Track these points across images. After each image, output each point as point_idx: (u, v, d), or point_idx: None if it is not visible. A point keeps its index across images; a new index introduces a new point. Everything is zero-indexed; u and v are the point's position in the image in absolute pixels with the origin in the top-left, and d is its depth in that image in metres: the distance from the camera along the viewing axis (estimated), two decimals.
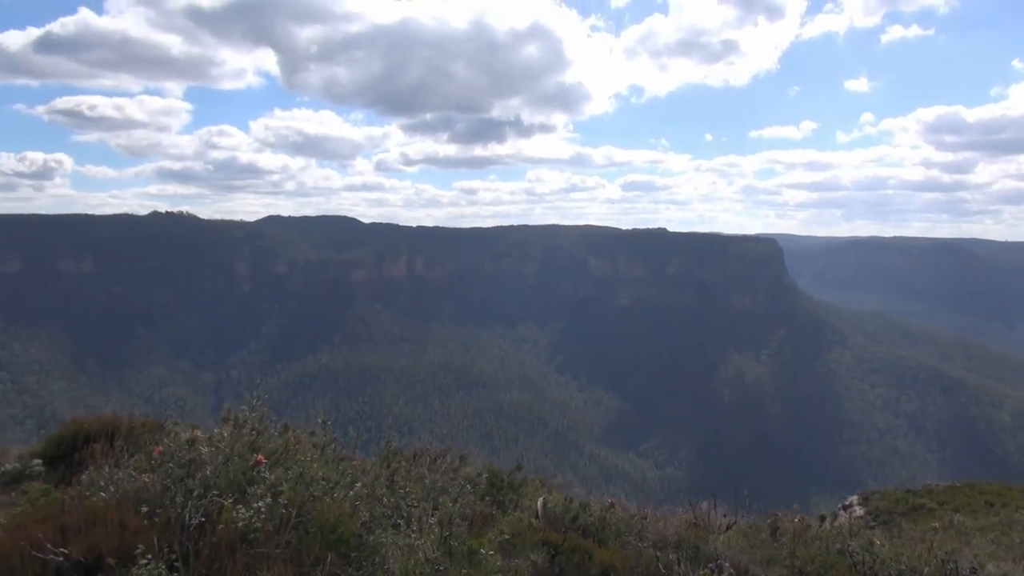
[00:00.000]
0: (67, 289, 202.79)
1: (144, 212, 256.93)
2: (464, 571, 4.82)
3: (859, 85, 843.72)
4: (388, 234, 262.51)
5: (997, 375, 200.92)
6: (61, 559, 3.88)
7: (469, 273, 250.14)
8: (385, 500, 5.21)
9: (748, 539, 8.74)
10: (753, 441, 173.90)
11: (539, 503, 8.29)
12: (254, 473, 5.04)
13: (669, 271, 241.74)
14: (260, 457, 5.12)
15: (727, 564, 6.61)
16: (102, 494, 4.89)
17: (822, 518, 12.75)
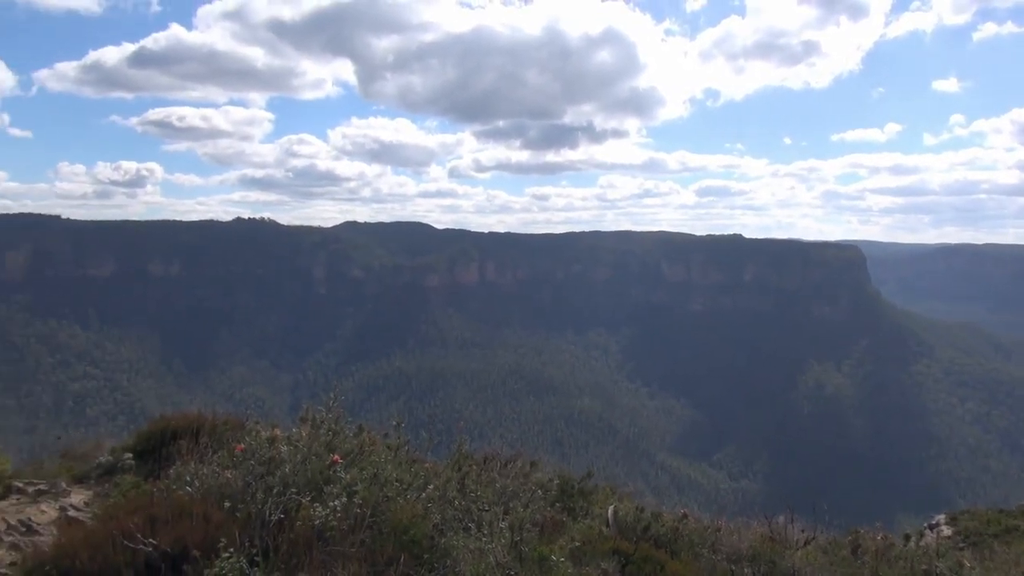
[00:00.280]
0: (156, 292, 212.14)
1: (228, 218, 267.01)
2: None
3: (948, 85, 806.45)
4: (460, 240, 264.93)
5: None
6: (150, 549, 4.06)
7: (540, 279, 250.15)
8: (456, 503, 5.25)
9: (827, 556, 8.45)
10: (833, 455, 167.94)
11: (610, 511, 8.21)
12: (330, 472, 5.16)
13: (745, 278, 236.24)
14: (336, 457, 5.24)
15: None
16: (188, 488, 5.09)
17: (907, 537, 12.19)
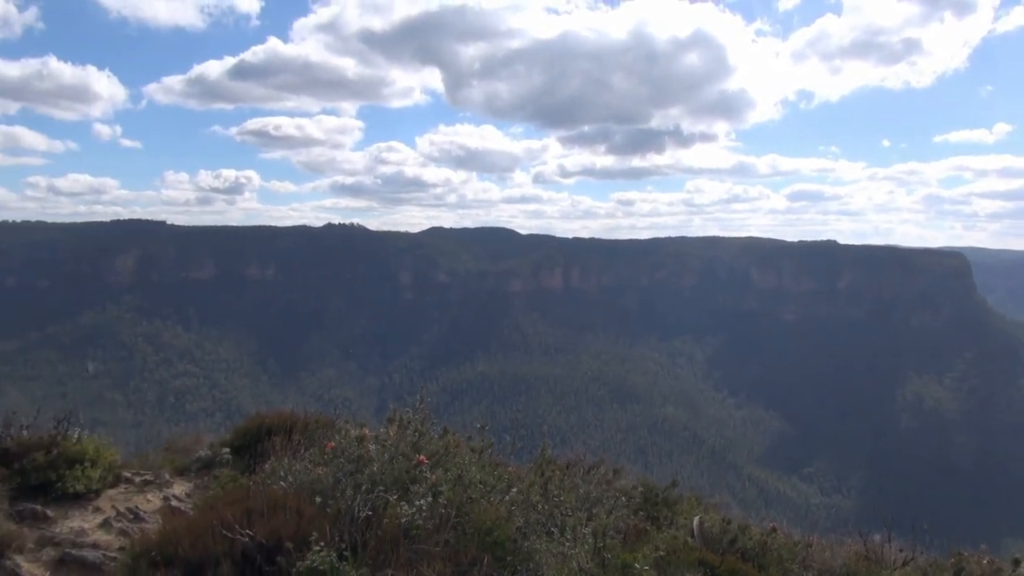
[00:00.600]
0: (252, 294, 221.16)
1: (320, 224, 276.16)
2: None
3: None
4: (544, 245, 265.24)
5: None
6: (247, 540, 4.24)
7: (624, 285, 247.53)
8: (540, 507, 5.26)
9: None
10: (933, 472, 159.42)
11: (695, 521, 8.06)
12: (416, 472, 5.26)
13: (839, 285, 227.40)
14: (422, 458, 5.34)
15: None
16: (281, 483, 5.29)
17: (1016, 562, 11.46)
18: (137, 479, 8.04)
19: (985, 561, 8.72)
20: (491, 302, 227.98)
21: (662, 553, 5.79)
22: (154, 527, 6.40)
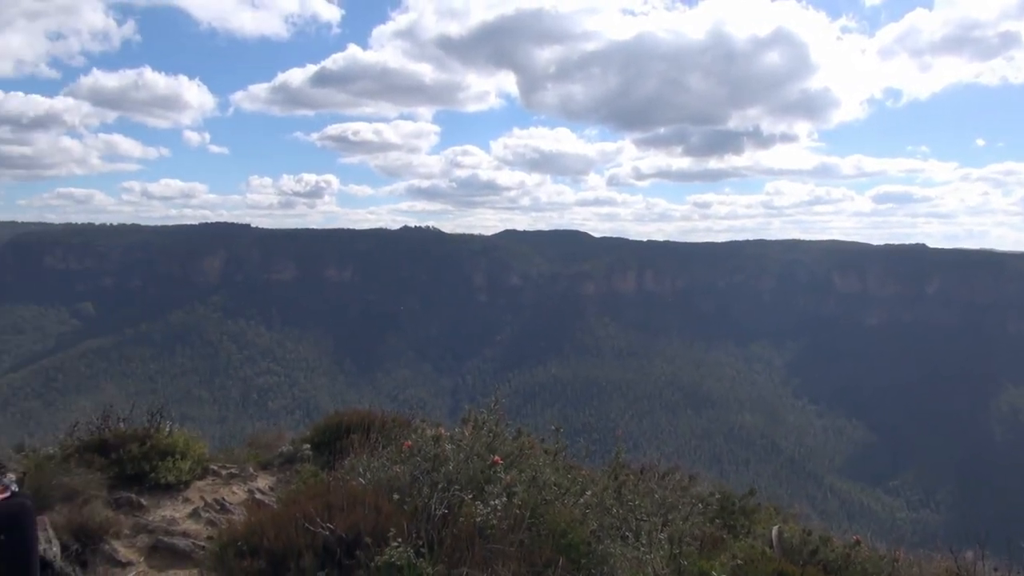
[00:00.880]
0: (331, 295, 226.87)
1: (396, 227, 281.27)
2: None
3: None
4: (618, 248, 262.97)
5: None
6: (327, 533, 4.36)
7: (700, 288, 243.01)
8: (615, 511, 5.23)
9: None
10: None
11: (774, 531, 7.85)
12: (491, 473, 5.30)
13: (928, 290, 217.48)
14: (497, 458, 5.38)
15: None
16: (360, 479, 5.42)
17: None
18: (223, 472, 8.37)
19: None
20: (564, 305, 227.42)
21: (739, 562, 5.67)
22: (240, 518, 6.65)
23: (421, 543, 4.31)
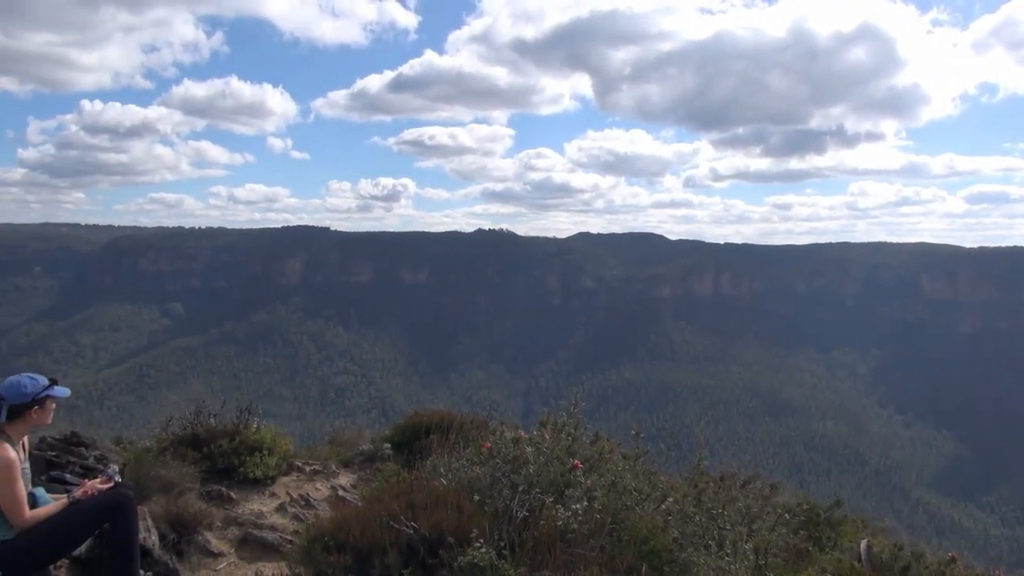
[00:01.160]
0: (406, 297, 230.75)
1: (470, 229, 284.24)
2: None
3: None
4: (694, 251, 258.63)
5: None
6: (411, 531, 4.43)
7: (779, 292, 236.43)
8: (697, 519, 5.13)
9: None
10: None
11: (863, 545, 7.56)
12: (571, 476, 5.29)
13: None
14: (577, 463, 5.36)
15: None
16: (442, 480, 5.49)
17: None
18: (307, 468, 8.62)
19: None
20: (638, 308, 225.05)
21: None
22: (324, 514, 6.83)
23: (503, 545, 4.33)
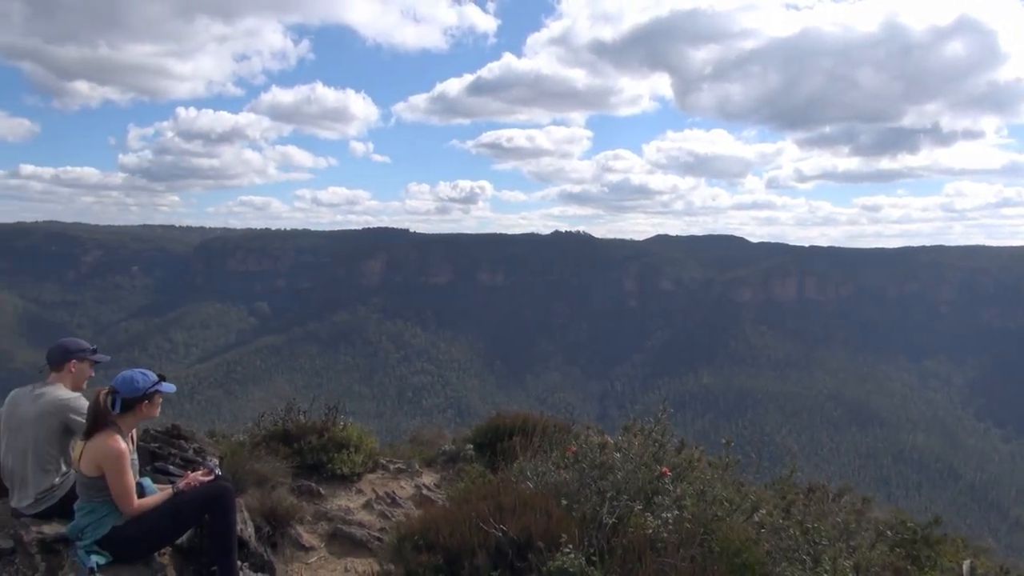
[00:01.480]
0: (483, 298, 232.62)
1: (547, 231, 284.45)
2: None
3: None
4: (777, 253, 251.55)
5: None
6: (500, 534, 4.44)
7: (868, 297, 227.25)
8: (791, 532, 4.97)
9: None
10: None
11: (965, 567, 7.18)
12: (659, 484, 5.20)
13: None
14: (666, 470, 5.27)
15: None
16: (528, 483, 5.49)
17: None
18: (391, 467, 8.76)
19: None
20: (717, 312, 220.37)
21: None
22: (410, 512, 6.93)
23: (592, 551, 4.29)
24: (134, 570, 4.77)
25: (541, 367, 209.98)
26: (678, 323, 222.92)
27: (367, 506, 7.40)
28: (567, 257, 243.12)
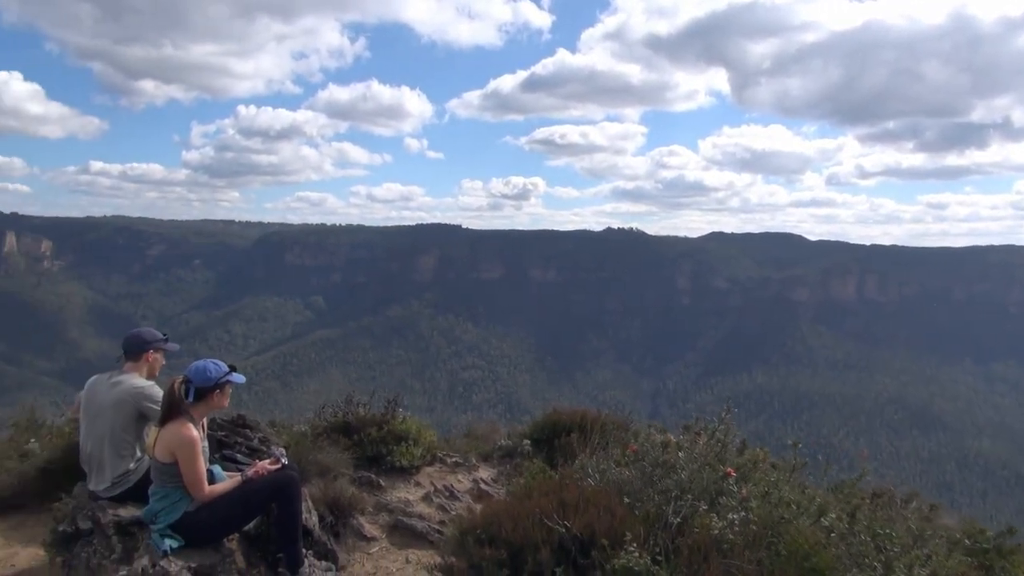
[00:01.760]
0: (534, 294, 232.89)
1: (599, 228, 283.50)
2: None
3: None
4: (836, 252, 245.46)
5: None
6: (563, 530, 4.42)
7: (932, 298, 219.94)
8: (862, 537, 4.82)
9: None
10: None
11: None
12: (723, 484, 5.11)
13: None
14: (730, 470, 5.18)
15: None
16: (589, 480, 5.45)
17: None
18: (449, 460, 8.82)
19: None
20: (773, 311, 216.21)
21: None
22: (470, 506, 6.97)
23: (657, 551, 4.24)
24: (204, 554, 4.90)
25: (592, 364, 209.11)
26: (732, 322, 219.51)
27: (426, 499, 7.46)
28: (619, 254, 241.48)
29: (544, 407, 10.76)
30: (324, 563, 5.41)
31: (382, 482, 7.63)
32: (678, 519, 4.55)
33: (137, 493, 5.37)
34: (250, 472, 5.22)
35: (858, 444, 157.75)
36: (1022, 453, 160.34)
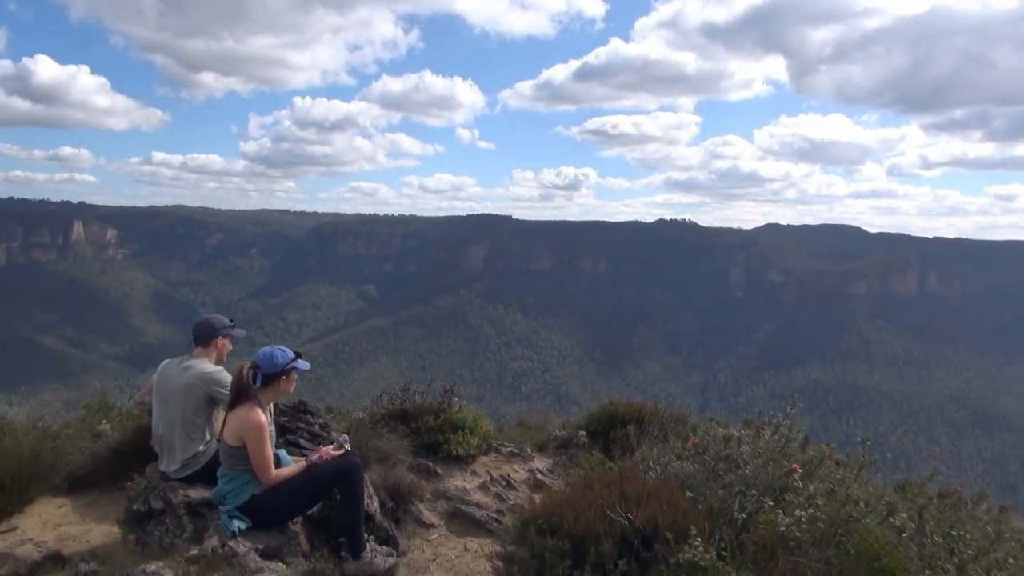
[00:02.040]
0: (584, 285, 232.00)
1: (651, 219, 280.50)
2: None
3: None
4: (896, 245, 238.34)
5: None
6: (626, 522, 4.39)
7: (999, 293, 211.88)
8: (934, 538, 4.68)
9: None
10: None
11: None
12: (789, 480, 5.01)
13: None
14: (796, 466, 5.08)
15: None
16: (650, 473, 5.41)
17: None
18: (504, 450, 8.85)
19: None
20: (829, 305, 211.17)
21: None
22: (527, 496, 6.99)
23: (723, 546, 4.18)
24: (270, 536, 5.01)
25: (641, 356, 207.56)
26: (787, 316, 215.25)
27: (483, 487, 7.51)
28: (671, 246, 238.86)
29: (593, 399, 10.74)
30: (385, 548, 5.48)
31: (439, 470, 7.70)
32: (744, 515, 4.48)
33: (206, 475, 5.53)
34: (314, 457, 5.32)
35: (916, 442, 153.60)
36: None
